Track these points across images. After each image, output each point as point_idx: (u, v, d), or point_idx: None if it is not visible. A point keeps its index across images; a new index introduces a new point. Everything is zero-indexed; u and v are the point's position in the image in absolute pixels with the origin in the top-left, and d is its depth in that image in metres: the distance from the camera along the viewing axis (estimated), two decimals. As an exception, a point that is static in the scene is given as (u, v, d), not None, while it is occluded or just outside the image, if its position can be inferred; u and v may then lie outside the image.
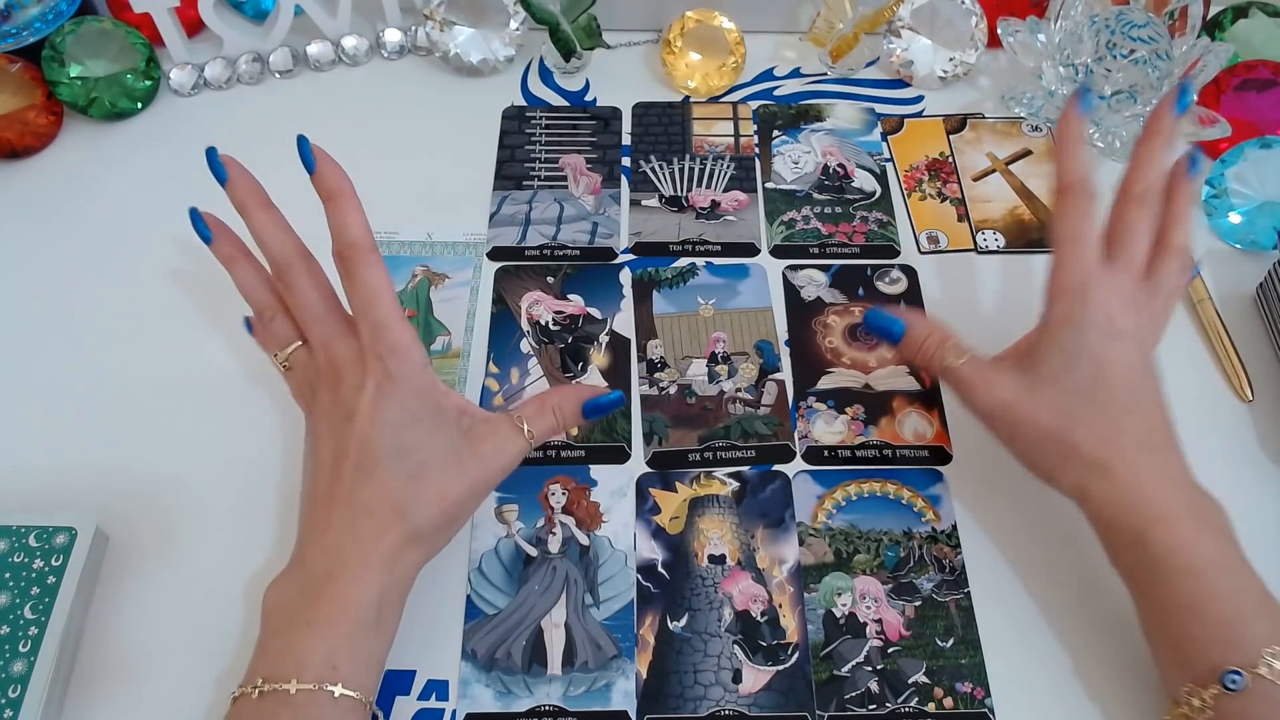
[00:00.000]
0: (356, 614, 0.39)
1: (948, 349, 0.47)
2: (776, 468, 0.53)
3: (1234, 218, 0.61)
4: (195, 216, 0.48)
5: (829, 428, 0.54)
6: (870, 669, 0.46)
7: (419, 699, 0.45)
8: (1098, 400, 0.43)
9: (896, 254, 0.62)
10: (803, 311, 0.59)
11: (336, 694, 0.38)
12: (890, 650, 0.47)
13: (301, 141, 0.44)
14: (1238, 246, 0.62)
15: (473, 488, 0.43)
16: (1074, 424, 0.43)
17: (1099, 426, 0.43)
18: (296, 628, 0.39)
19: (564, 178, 0.65)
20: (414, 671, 0.46)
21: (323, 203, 0.44)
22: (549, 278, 0.60)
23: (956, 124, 0.69)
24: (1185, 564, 0.40)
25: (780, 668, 0.46)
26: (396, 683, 0.46)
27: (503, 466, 0.44)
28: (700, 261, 0.61)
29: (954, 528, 0.51)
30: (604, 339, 0.57)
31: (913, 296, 0.59)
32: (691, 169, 0.65)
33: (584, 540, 0.50)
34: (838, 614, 0.48)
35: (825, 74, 0.71)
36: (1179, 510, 0.41)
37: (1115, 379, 0.43)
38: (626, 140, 0.67)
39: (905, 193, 0.65)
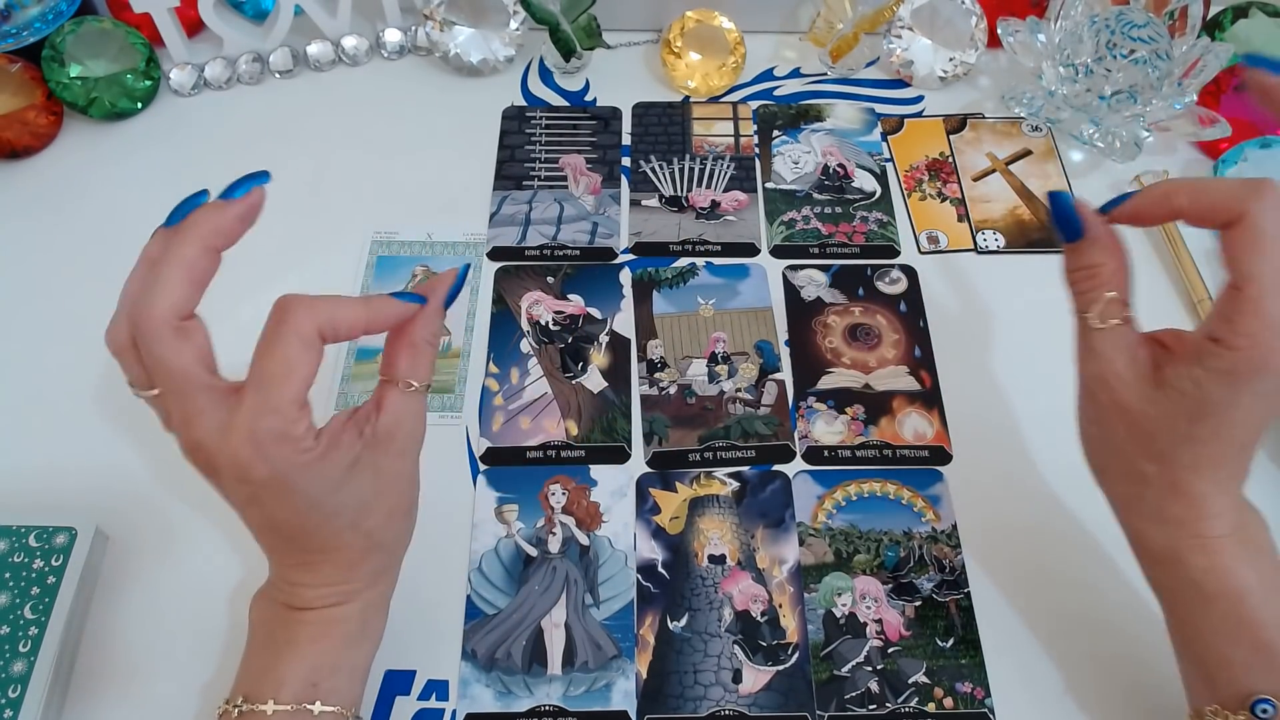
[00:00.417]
0: (341, 630, 0.39)
1: (1111, 301, 0.39)
2: (776, 468, 0.53)
3: (1234, 218, 0.61)
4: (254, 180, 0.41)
5: (829, 428, 0.54)
6: (870, 669, 0.46)
7: (419, 699, 0.45)
8: (1201, 432, 0.37)
9: (896, 254, 0.62)
10: (803, 311, 0.59)
11: (316, 712, 0.37)
12: (890, 650, 0.47)
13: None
14: (1238, 246, 0.62)
15: (409, 481, 0.40)
16: (1170, 445, 0.38)
17: (1184, 453, 0.38)
18: (277, 647, 0.39)
19: (564, 178, 0.65)
20: (414, 671, 0.46)
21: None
22: (549, 278, 0.60)
23: (956, 124, 0.69)
24: (1223, 587, 0.38)
25: (780, 668, 0.46)
26: (396, 683, 0.46)
27: (412, 435, 0.39)
28: (700, 261, 0.61)
29: (954, 528, 0.51)
30: (604, 339, 0.57)
31: (913, 296, 0.59)
32: (691, 169, 0.65)
33: (584, 540, 0.50)
34: (838, 614, 0.48)
35: (825, 74, 0.71)
36: (1223, 538, 0.38)
37: (1228, 425, 0.37)
38: (626, 140, 0.67)
39: (905, 193, 0.65)
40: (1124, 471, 0.40)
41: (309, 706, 0.37)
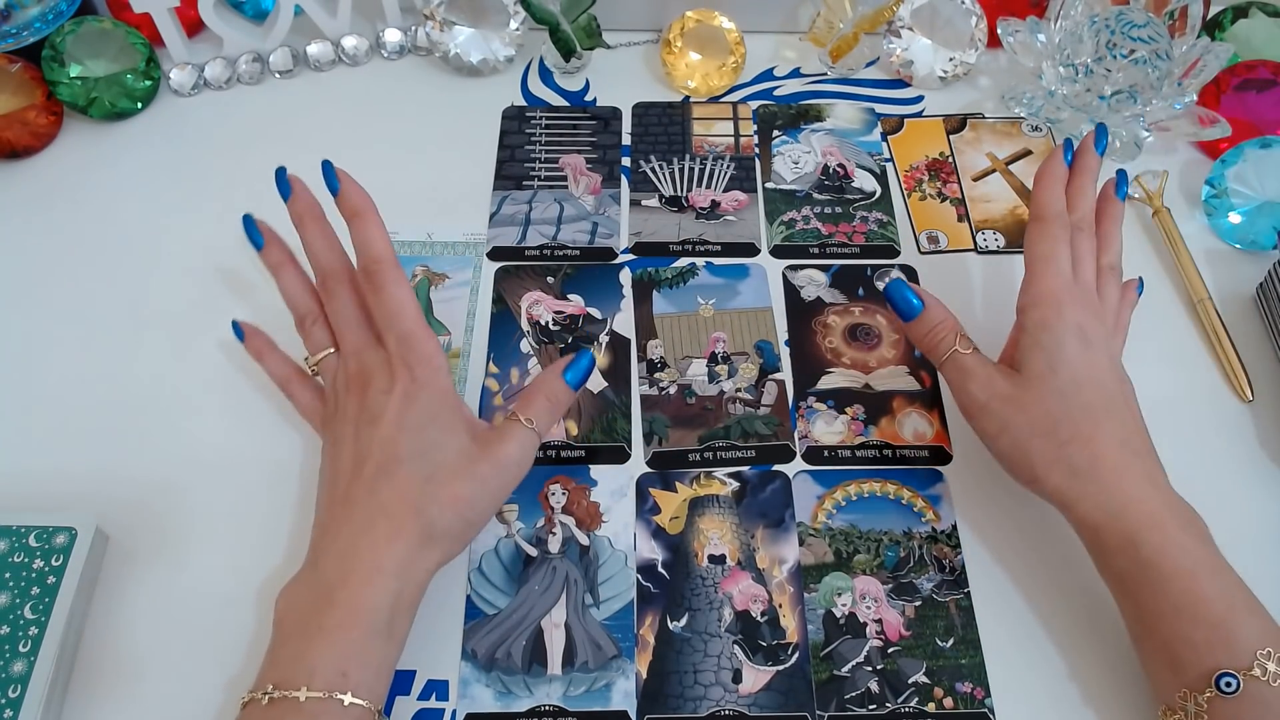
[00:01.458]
0: (369, 619, 0.39)
1: (959, 337, 0.48)
2: (776, 468, 0.53)
3: (1234, 218, 0.61)
4: (249, 223, 0.51)
5: (829, 428, 0.54)
6: (870, 669, 0.46)
7: (419, 699, 0.45)
8: (1079, 401, 0.44)
9: (896, 254, 0.62)
10: (803, 311, 0.59)
11: (346, 702, 0.38)
12: (890, 650, 0.47)
13: (326, 166, 0.47)
14: (1238, 246, 0.62)
15: (486, 488, 0.44)
16: (1060, 422, 0.44)
17: (1083, 425, 0.44)
18: (309, 634, 0.39)
19: (564, 178, 0.65)
20: (414, 671, 0.46)
21: (347, 222, 0.46)
22: (549, 278, 0.60)
23: (956, 124, 0.69)
24: (1176, 565, 0.40)
25: (780, 668, 0.46)
26: (396, 683, 0.46)
27: (516, 462, 0.45)
28: (700, 261, 0.61)
29: (954, 528, 0.51)
30: (604, 339, 0.57)
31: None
32: (691, 169, 0.65)
33: (584, 540, 0.50)
34: (838, 614, 0.48)
35: (825, 74, 0.71)
36: (1164, 513, 0.42)
37: (1091, 383, 0.45)
38: (626, 140, 0.67)
39: (905, 193, 0.65)
40: (1051, 463, 0.44)
41: (340, 696, 0.38)
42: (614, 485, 0.52)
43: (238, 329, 0.52)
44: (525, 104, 0.69)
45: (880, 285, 0.58)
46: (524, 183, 0.64)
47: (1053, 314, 0.46)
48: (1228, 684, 0.38)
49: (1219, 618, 0.39)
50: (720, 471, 0.52)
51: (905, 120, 0.69)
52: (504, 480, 0.45)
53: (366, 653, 0.39)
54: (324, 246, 0.48)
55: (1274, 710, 0.37)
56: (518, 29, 0.69)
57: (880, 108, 0.69)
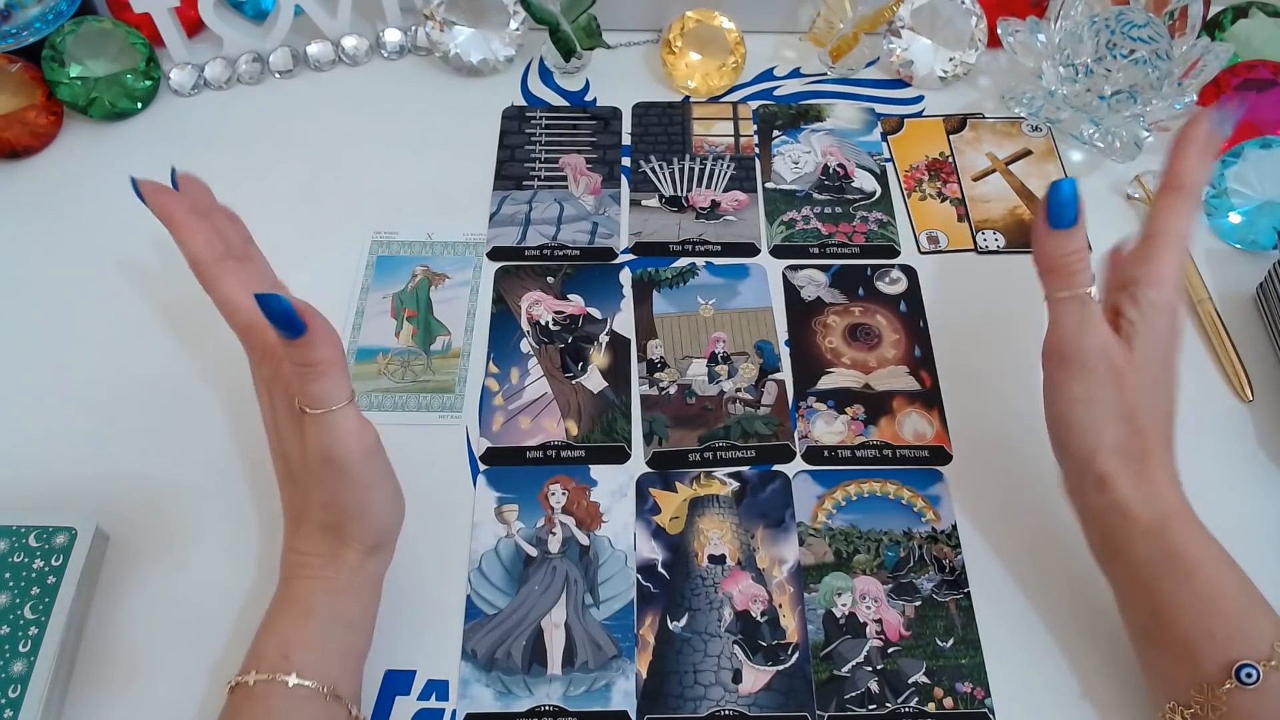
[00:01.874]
0: (303, 605, 0.41)
1: (1092, 277, 0.43)
2: (776, 468, 0.53)
3: (1234, 218, 0.61)
4: (134, 185, 0.45)
5: (829, 428, 0.54)
6: (870, 669, 0.46)
7: (419, 699, 0.45)
8: (1160, 393, 0.43)
9: (896, 254, 0.62)
10: (803, 311, 0.59)
11: (290, 683, 0.39)
12: (890, 650, 0.47)
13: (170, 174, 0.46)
14: (1238, 246, 0.62)
15: (336, 488, 0.40)
16: (1140, 411, 0.42)
17: (1155, 419, 0.43)
18: (262, 628, 0.41)
19: (564, 178, 0.65)
20: (414, 671, 0.46)
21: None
22: (549, 278, 0.60)
23: (956, 124, 0.69)
24: (1201, 555, 0.41)
25: (780, 668, 0.46)
26: (396, 683, 0.46)
27: (338, 457, 0.39)
28: (700, 261, 0.61)
29: (954, 528, 0.51)
30: (604, 339, 0.57)
31: (913, 296, 0.59)
32: (691, 169, 0.65)
33: (584, 540, 0.50)
34: (838, 614, 0.48)
35: (825, 74, 0.71)
36: (1188, 509, 0.42)
37: (1171, 380, 0.44)
38: (626, 140, 0.67)
39: (905, 193, 0.65)
40: (1114, 447, 0.42)
41: (283, 677, 0.39)
42: (614, 485, 0.52)
43: (135, 186, 0.45)
44: (525, 104, 0.69)
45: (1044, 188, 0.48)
46: (524, 183, 0.64)
47: (1171, 300, 0.43)
48: (1248, 674, 0.38)
49: (1239, 609, 0.40)
50: (720, 471, 0.52)
51: (905, 120, 0.69)
52: (343, 477, 0.40)
53: (309, 636, 0.40)
54: (232, 227, 0.46)
55: None
56: (518, 29, 0.69)
57: (880, 108, 0.69)
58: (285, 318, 0.36)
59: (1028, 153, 0.67)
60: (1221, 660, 0.39)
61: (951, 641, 0.47)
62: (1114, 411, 0.42)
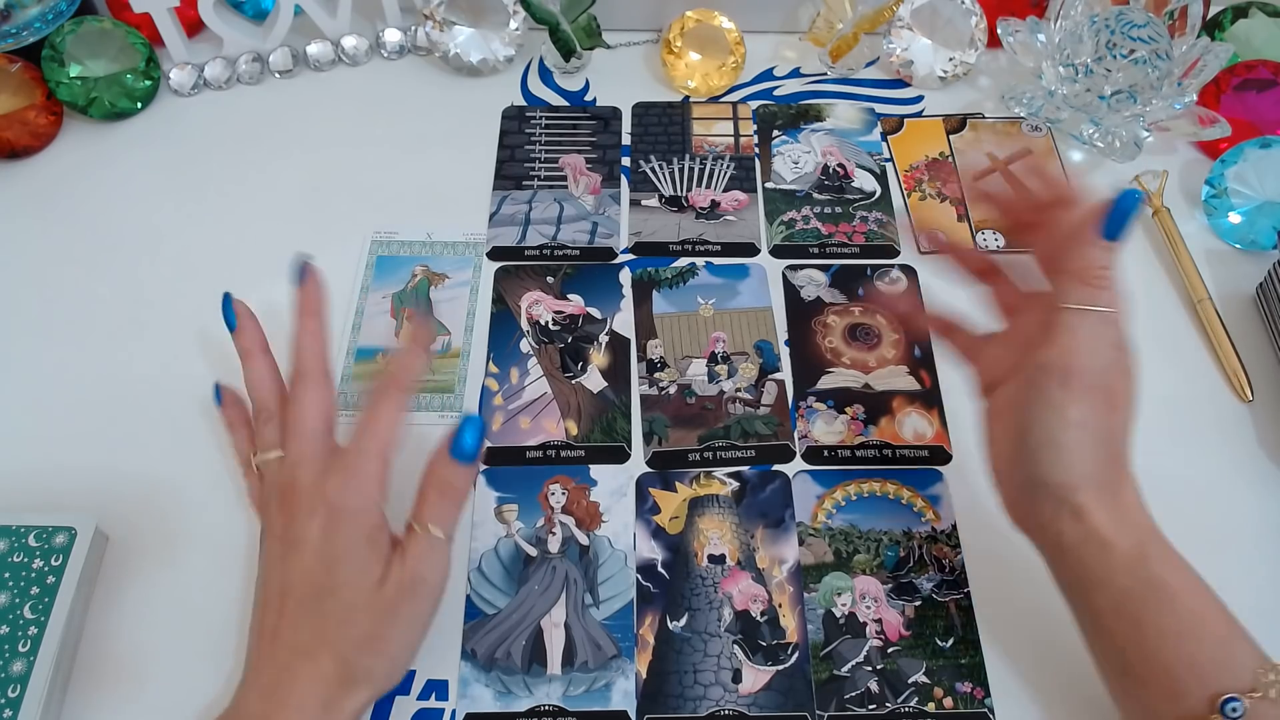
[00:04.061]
0: None
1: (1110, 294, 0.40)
2: (776, 468, 0.53)
3: (1234, 218, 0.61)
4: (227, 303, 0.48)
5: (829, 428, 0.54)
6: (870, 669, 0.46)
7: (419, 699, 0.45)
8: (1131, 414, 0.41)
9: (896, 254, 0.62)
10: (803, 311, 0.59)
11: None
12: (890, 650, 0.47)
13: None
14: (1238, 246, 0.62)
15: (399, 620, 0.41)
16: (1119, 434, 0.40)
17: (1127, 439, 0.41)
18: None
19: (564, 178, 0.65)
20: (414, 671, 0.46)
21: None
22: (549, 278, 0.60)
23: (956, 124, 0.69)
24: (1182, 581, 0.39)
25: (780, 668, 0.46)
26: (396, 683, 0.46)
27: (427, 581, 0.41)
28: (700, 261, 0.61)
29: (954, 528, 0.51)
30: (604, 339, 0.57)
31: (913, 296, 0.59)
32: (691, 169, 0.65)
33: (584, 540, 0.50)
34: (838, 614, 0.48)
35: (825, 74, 0.71)
36: (1154, 526, 0.40)
37: (1128, 401, 0.41)
38: (626, 140, 0.67)
39: (905, 193, 0.65)
40: (1098, 470, 0.40)
41: None
42: (614, 485, 0.52)
43: (218, 394, 0.50)
44: (525, 104, 0.69)
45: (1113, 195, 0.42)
46: (524, 183, 0.64)
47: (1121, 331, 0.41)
48: (1234, 709, 0.36)
49: (1221, 636, 0.38)
50: (720, 471, 0.52)
51: (905, 120, 0.69)
52: (418, 607, 0.41)
53: None
54: (311, 343, 0.45)
55: None
56: (518, 29, 0.69)
57: (880, 108, 0.69)
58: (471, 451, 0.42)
59: (1028, 153, 0.67)
60: (1205, 694, 0.37)
61: (951, 641, 0.47)
62: (1103, 437, 0.40)
